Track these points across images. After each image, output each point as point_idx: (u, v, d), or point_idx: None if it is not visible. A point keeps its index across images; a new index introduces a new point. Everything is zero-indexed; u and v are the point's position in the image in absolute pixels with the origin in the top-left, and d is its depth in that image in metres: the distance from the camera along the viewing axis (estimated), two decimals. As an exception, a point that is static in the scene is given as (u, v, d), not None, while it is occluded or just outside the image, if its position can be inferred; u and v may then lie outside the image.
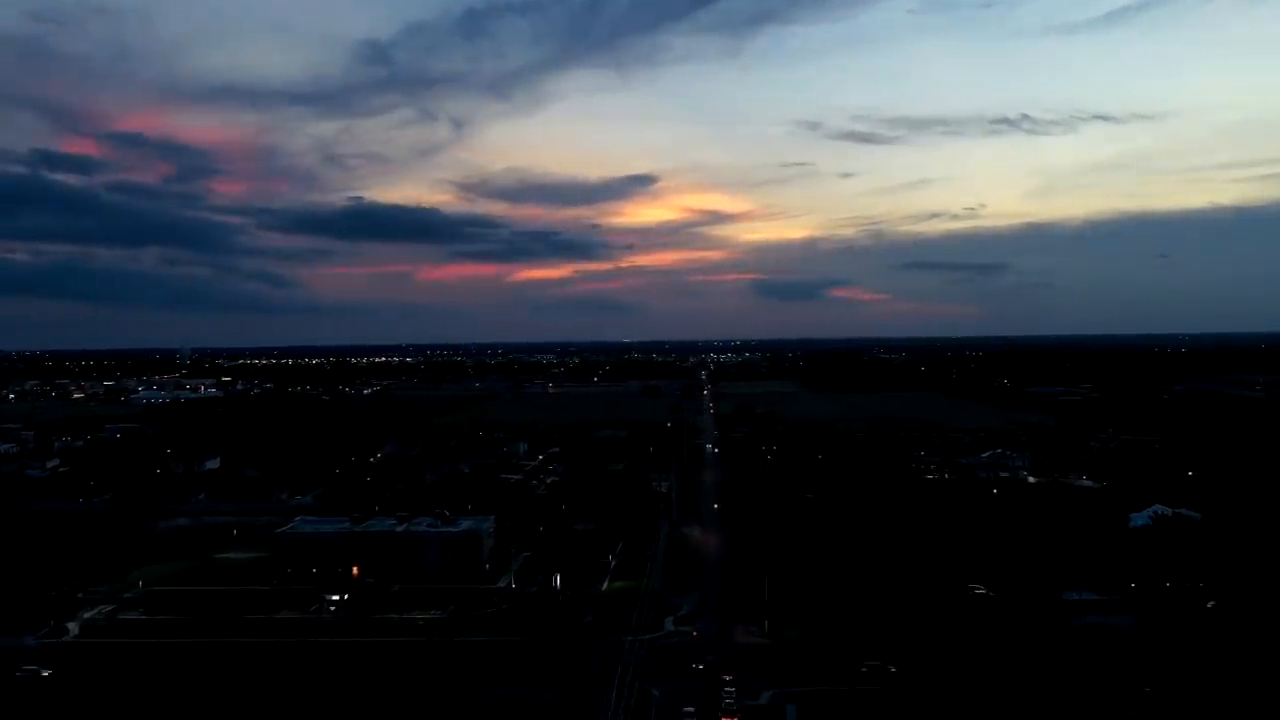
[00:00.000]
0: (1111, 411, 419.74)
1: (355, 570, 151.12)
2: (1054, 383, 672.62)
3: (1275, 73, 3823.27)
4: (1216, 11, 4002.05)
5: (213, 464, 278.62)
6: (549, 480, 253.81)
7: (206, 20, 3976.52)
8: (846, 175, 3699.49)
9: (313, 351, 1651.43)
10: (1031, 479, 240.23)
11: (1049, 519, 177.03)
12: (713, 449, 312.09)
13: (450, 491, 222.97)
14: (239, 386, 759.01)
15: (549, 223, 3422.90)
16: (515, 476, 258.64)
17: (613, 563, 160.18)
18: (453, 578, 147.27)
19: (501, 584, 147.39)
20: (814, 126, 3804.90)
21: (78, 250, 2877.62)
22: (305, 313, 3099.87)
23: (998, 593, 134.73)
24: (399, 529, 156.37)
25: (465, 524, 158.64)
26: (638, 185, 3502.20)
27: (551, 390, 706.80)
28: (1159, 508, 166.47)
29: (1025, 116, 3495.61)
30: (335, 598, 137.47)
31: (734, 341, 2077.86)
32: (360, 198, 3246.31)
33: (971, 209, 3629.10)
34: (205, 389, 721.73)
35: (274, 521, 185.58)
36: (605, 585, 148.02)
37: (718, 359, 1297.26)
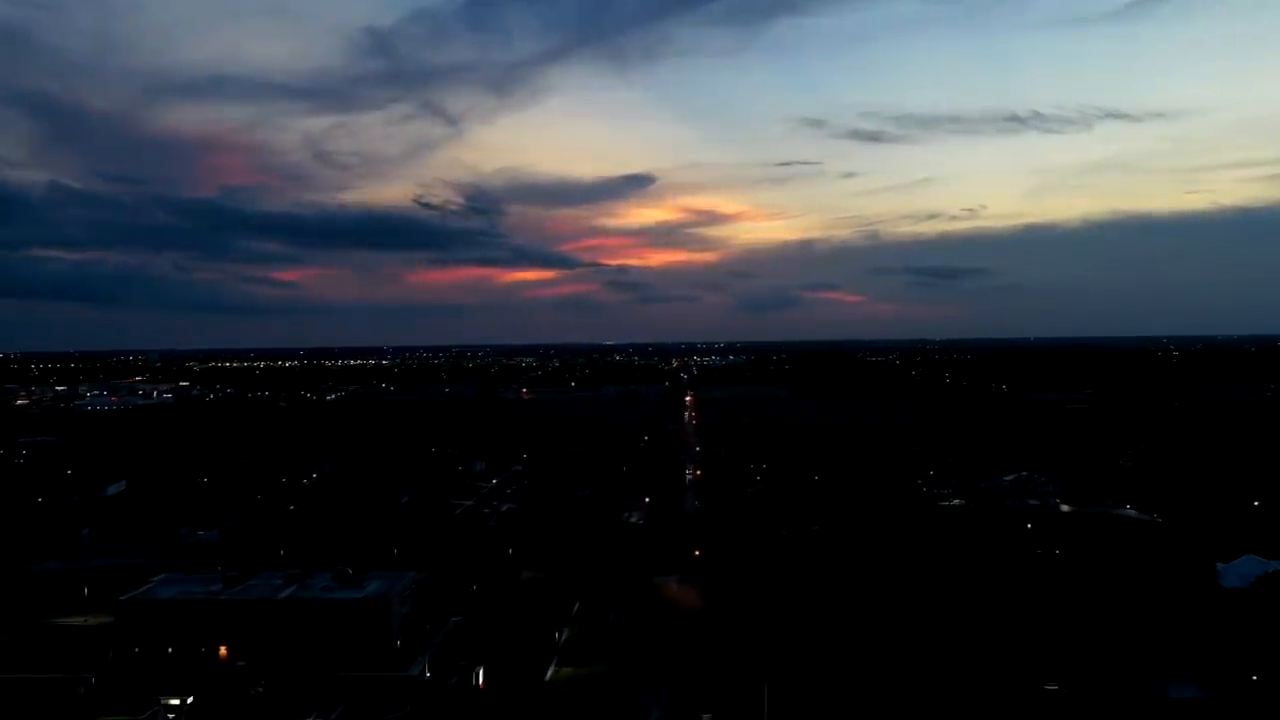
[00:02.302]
0: (1124, 421, 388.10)
1: (224, 650, 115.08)
2: (1052, 388, 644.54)
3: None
4: (1228, 8, 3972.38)
5: (119, 488, 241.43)
6: (504, 508, 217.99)
7: (199, 7, 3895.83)
8: (848, 175, 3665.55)
9: (294, 354, 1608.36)
10: (1065, 507, 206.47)
11: (1111, 569, 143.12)
12: (694, 469, 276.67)
13: (386, 523, 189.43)
14: (196, 391, 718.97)
15: (543, 223, 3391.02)
16: (467, 501, 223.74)
17: (563, 637, 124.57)
18: (351, 660, 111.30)
19: (414, 670, 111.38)
20: (818, 124, 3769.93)
21: (59, 252, 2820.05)
22: (291, 313, 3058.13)
23: (1075, 689, 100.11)
24: (283, 594, 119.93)
25: (372, 585, 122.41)
26: (635, 185, 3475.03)
27: (525, 396, 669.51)
28: (1255, 561, 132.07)
29: (1036, 114, 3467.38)
30: (175, 702, 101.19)
31: (718, 344, 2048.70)
32: (351, 198, 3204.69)
33: (971, 210, 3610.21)
34: (160, 394, 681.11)
35: (158, 567, 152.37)
36: (551, 672, 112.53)
37: (702, 361, 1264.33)
